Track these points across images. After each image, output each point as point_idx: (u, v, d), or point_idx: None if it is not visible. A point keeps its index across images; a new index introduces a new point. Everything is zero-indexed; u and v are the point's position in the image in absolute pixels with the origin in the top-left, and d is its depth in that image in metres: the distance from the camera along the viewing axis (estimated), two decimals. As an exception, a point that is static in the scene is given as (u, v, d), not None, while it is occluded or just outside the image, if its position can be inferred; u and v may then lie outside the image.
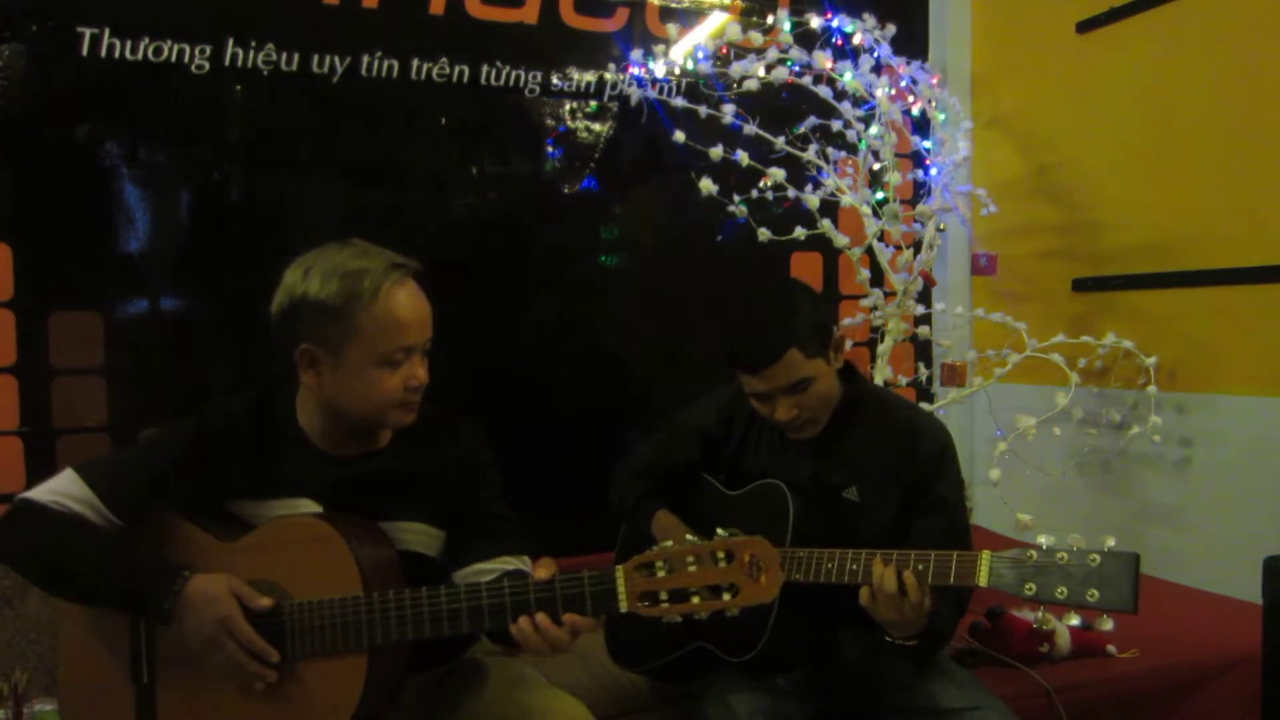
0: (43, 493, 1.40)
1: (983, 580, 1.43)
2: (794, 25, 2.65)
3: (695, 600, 1.26)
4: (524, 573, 1.45)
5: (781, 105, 2.74)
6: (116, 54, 2.34)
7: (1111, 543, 1.37)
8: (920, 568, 1.49)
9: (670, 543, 1.29)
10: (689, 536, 1.31)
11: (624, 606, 1.29)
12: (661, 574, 1.27)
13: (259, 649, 1.35)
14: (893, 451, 1.74)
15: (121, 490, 1.42)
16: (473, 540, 1.53)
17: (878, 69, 2.73)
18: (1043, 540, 1.41)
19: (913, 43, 3.13)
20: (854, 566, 1.56)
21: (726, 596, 1.26)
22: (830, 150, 2.70)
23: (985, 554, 1.44)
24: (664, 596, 1.27)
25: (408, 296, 1.44)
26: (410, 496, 1.52)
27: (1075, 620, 1.39)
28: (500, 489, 1.60)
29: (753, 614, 1.25)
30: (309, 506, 1.47)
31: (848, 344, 1.81)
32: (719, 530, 1.29)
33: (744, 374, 1.70)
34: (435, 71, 2.65)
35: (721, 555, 1.27)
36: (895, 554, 1.53)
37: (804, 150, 2.66)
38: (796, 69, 2.61)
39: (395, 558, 1.46)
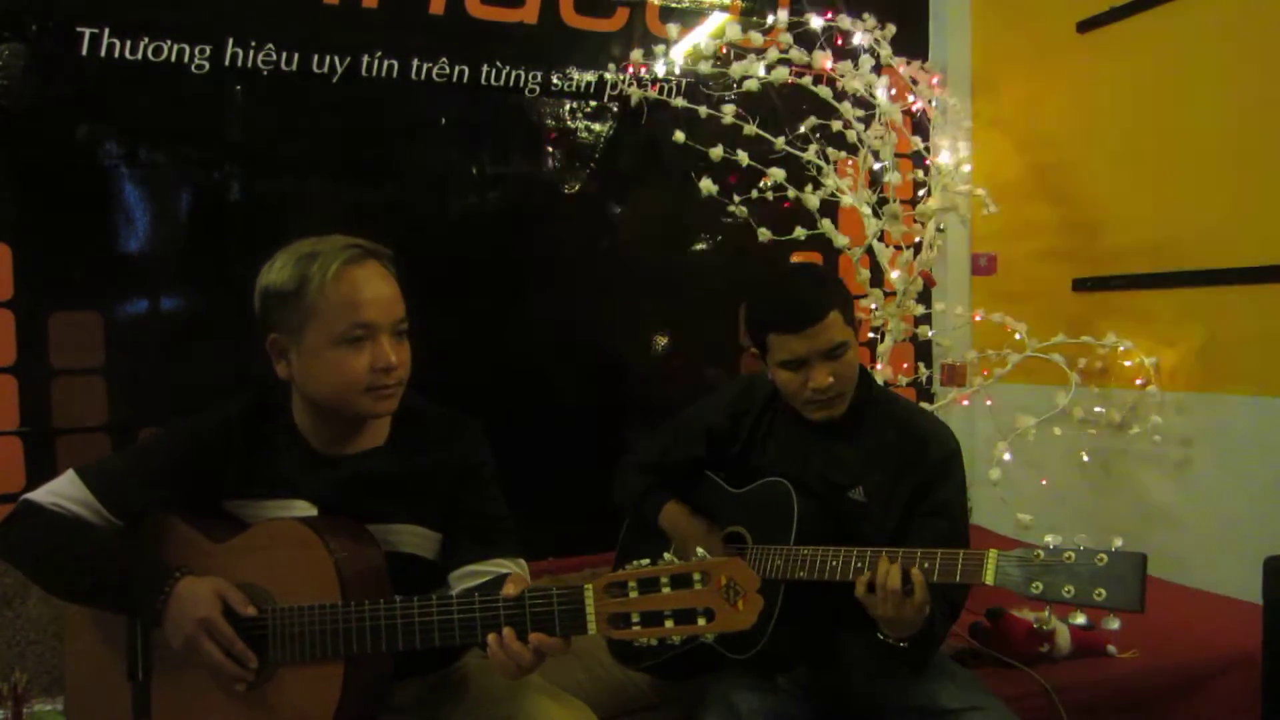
0: (44, 494, 1.42)
1: (989, 579, 1.43)
2: (794, 25, 2.66)
3: (668, 624, 1.20)
4: (501, 580, 1.41)
5: (781, 105, 2.74)
6: (116, 54, 2.34)
7: (1119, 543, 1.36)
8: (926, 565, 1.48)
9: (646, 561, 1.24)
10: (666, 555, 1.26)
11: (592, 629, 1.24)
12: (634, 595, 1.22)
13: (238, 652, 1.35)
14: (901, 455, 1.73)
15: (120, 492, 1.44)
16: (467, 542, 1.51)
17: (878, 69, 2.73)
18: (1049, 540, 1.41)
19: (913, 43, 3.13)
20: (859, 565, 1.55)
21: (701, 621, 1.19)
22: (830, 150, 2.70)
23: (992, 552, 1.43)
24: (635, 619, 1.22)
25: (364, 274, 1.42)
26: (406, 498, 1.51)
27: (1081, 619, 1.38)
28: (498, 490, 1.58)
29: None
30: (304, 507, 1.47)
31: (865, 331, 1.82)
32: (698, 550, 1.25)
33: (785, 334, 1.66)
34: (435, 71, 2.65)
35: (698, 577, 1.20)
36: (901, 552, 1.52)
37: (804, 150, 2.66)
38: (797, 69, 2.62)
39: (381, 563, 1.44)
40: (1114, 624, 1.39)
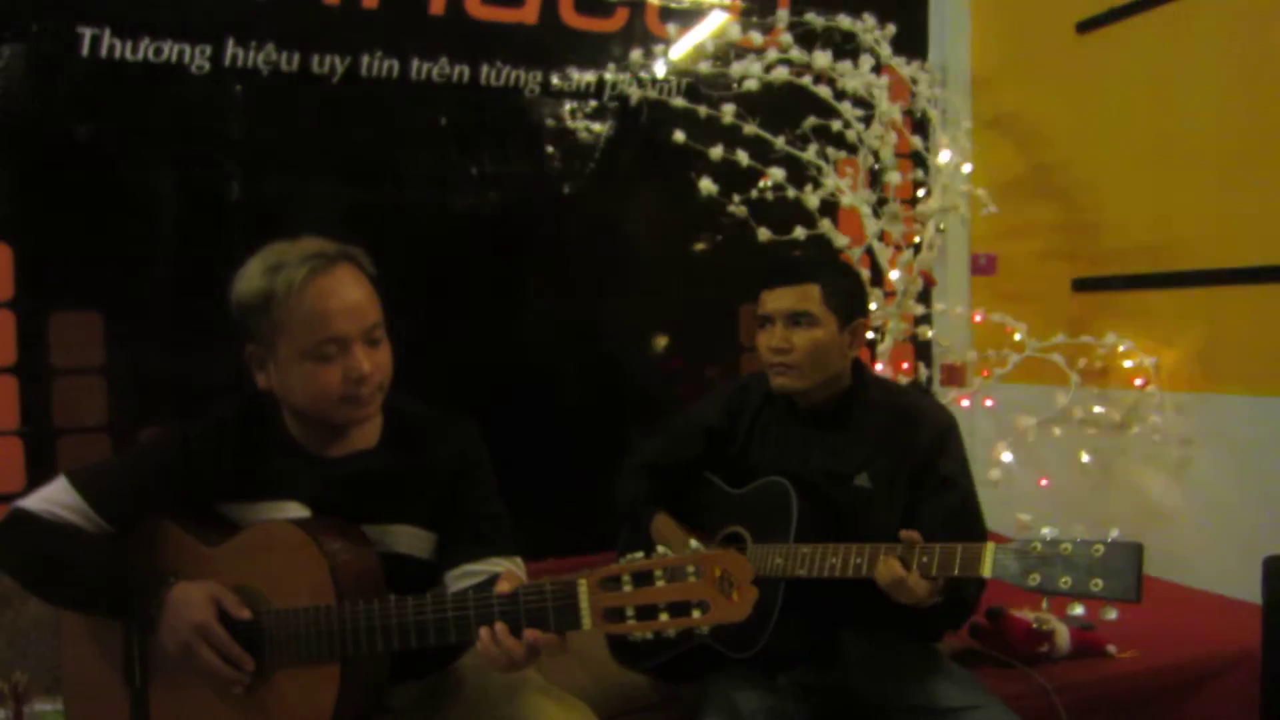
0: (36, 501, 1.41)
1: (987, 571, 1.43)
2: (794, 25, 2.66)
3: (663, 617, 1.19)
4: (496, 579, 1.39)
5: (782, 105, 2.74)
6: (116, 54, 2.34)
7: (1115, 533, 1.37)
8: (925, 560, 1.49)
9: (639, 555, 1.23)
10: (660, 549, 1.25)
11: (587, 623, 1.22)
12: (628, 589, 1.21)
13: (234, 655, 1.34)
14: (898, 436, 1.75)
15: (112, 497, 1.43)
16: (463, 541, 1.50)
17: (878, 69, 2.73)
18: (1046, 531, 1.41)
19: (913, 43, 3.13)
20: (858, 561, 1.56)
21: (696, 614, 1.19)
22: (830, 150, 2.70)
23: (990, 545, 1.44)
24: (630, 613, 1.21)
25: (331, 285, 1.38)
26: (400, 498, 1.50)
27: (1079, 610, 1.38)
28: (493, 488, 1.56)
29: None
30: (296, 509, 1.45)
31: (868, 335, 1.86)
32: (691, 542, 1.24)
33: (762, 290, 1.80)
34: (435, 71, 2.65)
35: (691, 569, 1.19)
36: (899, 547, 1.52)
37: (804, 150, 2.66)
38: (796, 69, 2.62)
39: (376, 564, 1.43)
40: (1111, 614, 1.39)
